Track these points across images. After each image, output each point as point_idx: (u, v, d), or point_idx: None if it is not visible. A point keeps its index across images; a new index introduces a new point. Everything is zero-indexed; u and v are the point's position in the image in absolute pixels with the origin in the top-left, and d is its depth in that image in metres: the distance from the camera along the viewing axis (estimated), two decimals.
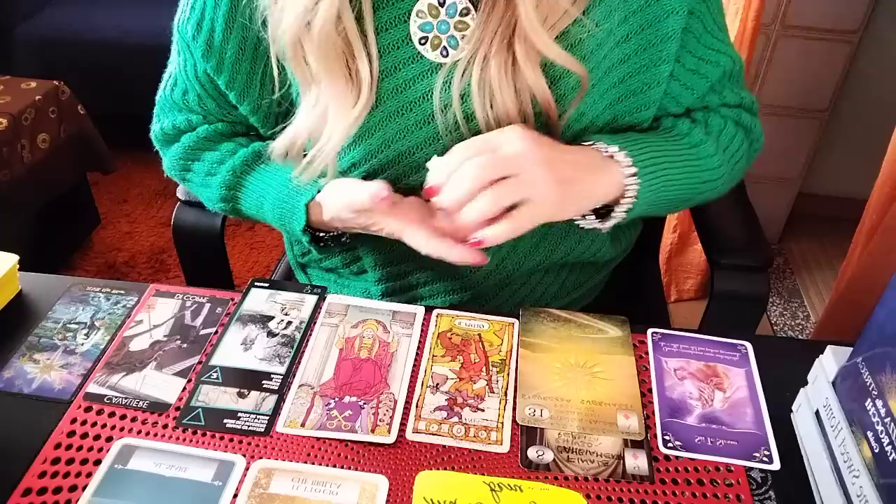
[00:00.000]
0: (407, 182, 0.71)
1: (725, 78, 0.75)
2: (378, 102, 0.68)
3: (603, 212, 0.69)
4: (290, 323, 0.67)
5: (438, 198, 0.61)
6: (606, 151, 0.67)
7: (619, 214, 0.68)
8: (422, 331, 0.67)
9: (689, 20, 0.69)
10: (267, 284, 0.72)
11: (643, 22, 0.68)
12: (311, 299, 0.70)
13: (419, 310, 0.69)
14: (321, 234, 0.74)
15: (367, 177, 0.71)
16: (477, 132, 0.67)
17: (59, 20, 2.18)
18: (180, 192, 0.89)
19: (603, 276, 0.89)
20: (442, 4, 0.66)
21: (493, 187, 0.59)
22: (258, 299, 0.70)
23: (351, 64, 0.65)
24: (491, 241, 0.61)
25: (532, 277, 0.81)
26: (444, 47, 0.67)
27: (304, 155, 0.70)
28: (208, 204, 0.80)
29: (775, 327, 1.86)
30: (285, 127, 0.70)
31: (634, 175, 0.66)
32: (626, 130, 0.73)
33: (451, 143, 0.65)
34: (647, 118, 0.73)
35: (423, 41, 0.67)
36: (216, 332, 0.66)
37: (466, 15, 0.66)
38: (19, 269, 0.70)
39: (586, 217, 0.70)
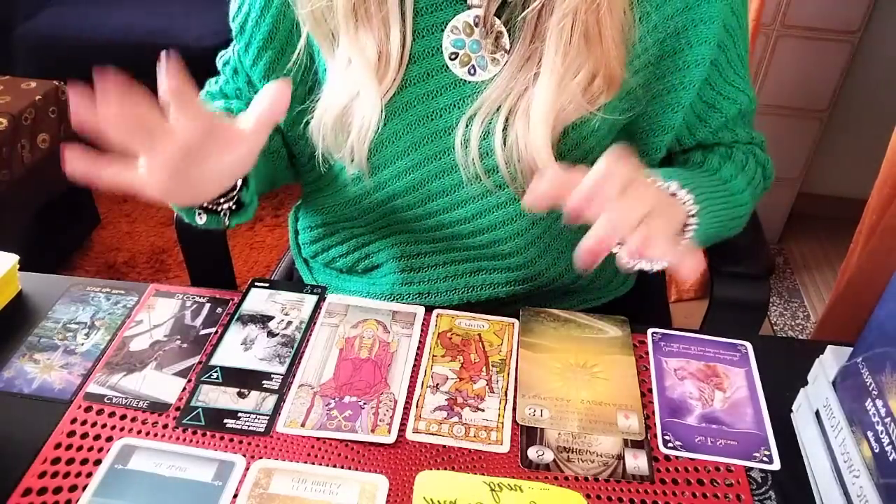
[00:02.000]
0: (430, 187, 0.72)
1: (740, 117, 0.75)
2: (407, 106, 0.69)
3: None
4: (290, 323, 0.67)
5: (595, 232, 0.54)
6: (670, 187, 0.63)
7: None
8: (422, 331, 0.67)
9: (716, 52, 0.69)
10: (267, 284, 0.72)
11: (668, 49, 0.68)
12: (312, 299, 0.70)
13: (419, 310, 0.69)
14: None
15: (394, 178, 0.73)
16: (491, 168, 0.69)
17: (59, 20, 2.18)
18: None
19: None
20: (476, 24, 0.66)
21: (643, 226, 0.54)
22: (258, 299, 0.70)
23: (383, 46, 0.66)
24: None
25: (562, 285, 0.81)
26: (473, 66, 0.68)
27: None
28: None
29: (775, 327, 1.86)
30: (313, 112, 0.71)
31: (694, 214, 0.63)
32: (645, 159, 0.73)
33: (470, 179, 0.69)
34: (662, 145, 0.73)
35: (452, 56, 0.67)
36: (216, 332, 0.66)
37: (500, 38, 0.66)
38: (19, 269, 0.70)
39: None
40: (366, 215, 0.78)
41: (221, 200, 0.66)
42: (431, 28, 0.67)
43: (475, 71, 0.68)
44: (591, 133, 0.68)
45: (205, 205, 0.66)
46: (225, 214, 0.67)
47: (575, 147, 0.69)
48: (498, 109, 0.67)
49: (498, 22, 0.65)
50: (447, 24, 0.67)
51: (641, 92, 0.69)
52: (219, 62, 0.82)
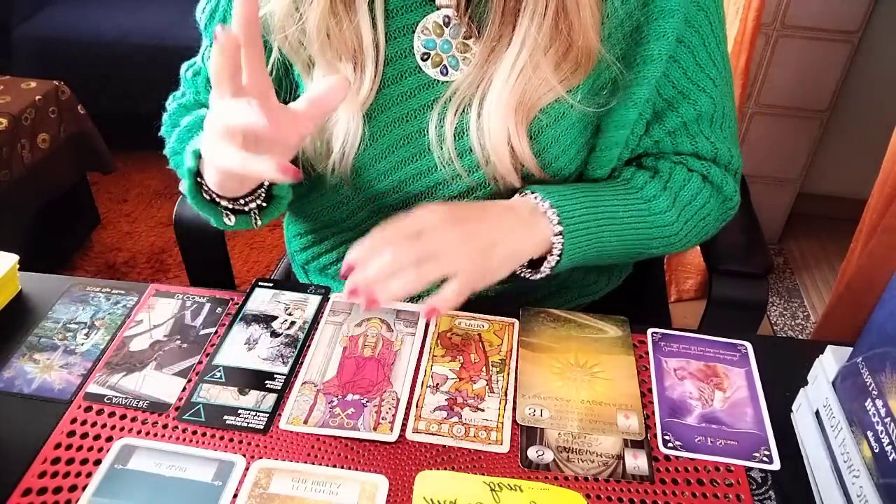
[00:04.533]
0: (410, 188, 0.72)
1: (702, 121, 0.72)
2: (383, 108, 0.69)
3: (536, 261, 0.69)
4: (293, 323, 0.67)
5: (353, 277, 0.60)
6: (541, 205, 0.66)
7: (545, 270, 0.68)
8: (425, 330, 0.67)
9: (677, 48, 0.67)
10: (271, 284, 0.72)
11: (629, 46, 0.67)
12: (315, 299, 0.70)
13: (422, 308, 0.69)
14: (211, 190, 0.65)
15: (374, 180, 0.72)
16: (471, 166, 0.69)
17: (59, 20, 2.18)
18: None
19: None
20: (447, 24, 0.66)
21: (418, 269, 0.59)
22: (262, 299, 0.70)
23: (358, 57, 0.66)
24: (430, 313, 0.60)
25: (552, 282, 0.81)
26: (445, 66, 0.68)
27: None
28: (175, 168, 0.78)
29: (775, 327, 1.86)
30: None
31: (560, 234, 0.66)
32: (588, 166, 0.73)
33: (446, 171, 0.68)
34: (619, 141, 0.71)
35: (424, 57, 0.68)
36: (216, 332, 0.66)
37: (469, 38, 0.66)
38: (19, 269, 0.70)
39: (518, 269, 0.69)
40: (349, 220, 0.79)
41: (247, 199, 0.64)
42: (402, 30, 0.67)
43: (447, 71, 0.68)
44: (558, 118, 0.68)
45: (232, 205, 0.65)
46: (255, 214, 0.66)
47: (540, 132, 0.68)
48: (470, 103, 0.66)
49: (469, 21, 0.65)
50: (417, 24, 0.67)
51: (611, 87, 0.68)
52: (185, 74, 0.80)
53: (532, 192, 0.68)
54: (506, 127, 0.65)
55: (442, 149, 0.69)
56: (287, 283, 0.73)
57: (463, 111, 0.67)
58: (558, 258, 0.67)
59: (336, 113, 0.68)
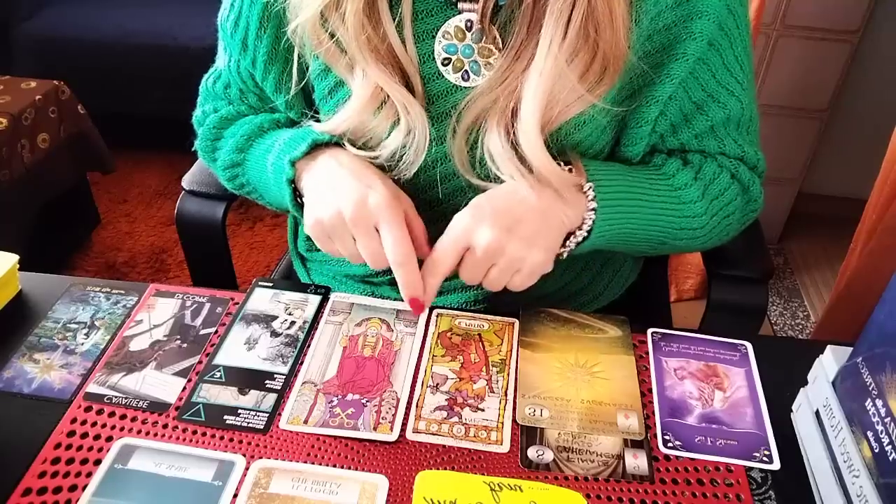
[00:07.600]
0: (431, 194, 0.72)
1: (730, 123, 0.72)
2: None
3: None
4: (293, 323, 0.67)
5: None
6: (579, 180, 0.66)
7: (571, 244, 0.67)
8: (425, 330, 0.67)
9: (707, 50, 0.66)
10: (270, 284, 0.72)
11: (659, 45, 0.66)
12: (315, 299, 0.70)
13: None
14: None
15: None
16: (488, 174, 0.67)
17: (59, 20, 2.18)
18: (185, 182, 0.89)
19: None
20: (469, 29, 0.65)
21: (489, 280, 0.64)
22: (262, 299, 0.70)
23: (395, 62, 0.65)
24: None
25: (563, 276, 0.81)
26: (466, 71, 0.66)
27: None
28: (222, 178, 0.80)
29: (775, 327, 1.86)
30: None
31: (594, 210, 0.65)
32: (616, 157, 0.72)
33: (464, 179, 0.68)
34: (641, 138, 0.70)
35: (445, 62, 0.66)
36: (216, 332, 0.66)
37: (494, 42, 0.65)
38: (19, 269, 0.70)
39: None
40: None
41: None
42: (423, 35, 0.66)
43: (468, 76, 0.66)
44: (583, 124, 0.67)
45: None
46: None
47: (565, 138, 0.67)
48: (492, 111, 0.64)
49: (492, 27, 0.64)
50: (438, 29, 0.65)
51: (637, 85, 0.67)
52: (213, 86, 0.79)
53: (573, 162, 0.67)
54: (533, 138, 0.63)
55: (462, 156, 0.67)
56: (287, 283, 0.73)
57: (482, 124, 0.65)
58: (588, 232, 0.66)
59: (402, 127, 0.66)
